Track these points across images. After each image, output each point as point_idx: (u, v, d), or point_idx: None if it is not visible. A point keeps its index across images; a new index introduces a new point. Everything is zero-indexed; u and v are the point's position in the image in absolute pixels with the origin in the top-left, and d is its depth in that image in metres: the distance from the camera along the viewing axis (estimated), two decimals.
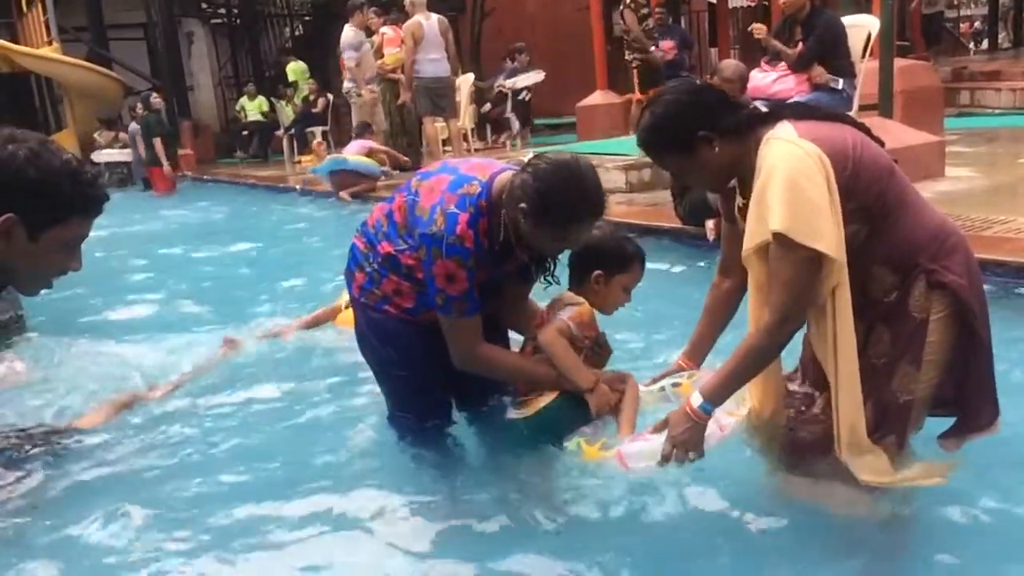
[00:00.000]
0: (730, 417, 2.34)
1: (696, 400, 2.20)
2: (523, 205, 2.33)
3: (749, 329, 2.24)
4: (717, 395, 2.20)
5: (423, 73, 9.64)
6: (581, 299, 2.63)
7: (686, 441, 2.22)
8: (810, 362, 2.39)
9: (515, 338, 2.92)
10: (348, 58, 9.85)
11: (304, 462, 2.89)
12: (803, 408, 2.41)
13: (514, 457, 2.75)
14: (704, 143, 2.13)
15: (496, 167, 2.57)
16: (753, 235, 2.09)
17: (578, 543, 2.29)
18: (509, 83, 11.22)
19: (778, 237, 1.99)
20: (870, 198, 2.06)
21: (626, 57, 9.59)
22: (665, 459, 2.26)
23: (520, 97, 11.27)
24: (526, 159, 2.45)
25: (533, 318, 2.76)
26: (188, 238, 8.54)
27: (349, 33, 9.85)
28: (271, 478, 2.82)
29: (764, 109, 2.19)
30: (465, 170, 2.54)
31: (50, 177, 1.89)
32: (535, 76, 11.20)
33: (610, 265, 2.55)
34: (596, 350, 2.67)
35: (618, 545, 2.27)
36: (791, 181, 1.97)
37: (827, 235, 1.97)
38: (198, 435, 3.18)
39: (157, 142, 12.52)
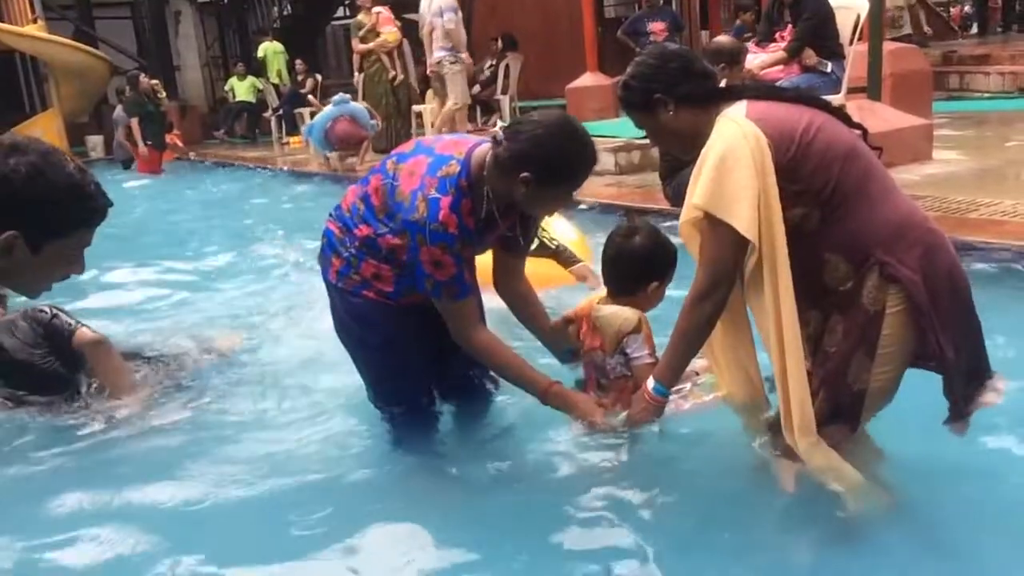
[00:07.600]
0: (692, 400, 2.50)
1: (650, 384, 2.36)
2: (526, 174, 2.29)
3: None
4: (666, 377, 2.35)
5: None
6: (629, 315, 2.55)
7: (643, 421, 2.42)
8: None
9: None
10: (448, 21, 9.03)
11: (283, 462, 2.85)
12: None
13: (500, 444, 2.81)
14: (660, 105, 2.22)
15: (471, 142, 2.50)
16: (688, 208, 2.18)
17: (571, 524, 2.33)
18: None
19: (705, 213, 2.09)
20: (818, 183, 2.07)
21: None
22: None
23: None
24: (499, 128, 2.41)
25: (535, 304, 2.77)
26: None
27: None
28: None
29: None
30: (440, 149, 2.47)
31: (53, 195, 1.83)
32: None
33: (663, 274, 2.61)
34: None
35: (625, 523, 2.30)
36: (720, 158, 2.05)
37: (742, 214, 2.03)
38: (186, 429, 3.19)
39: (134, 122, 12.36)
